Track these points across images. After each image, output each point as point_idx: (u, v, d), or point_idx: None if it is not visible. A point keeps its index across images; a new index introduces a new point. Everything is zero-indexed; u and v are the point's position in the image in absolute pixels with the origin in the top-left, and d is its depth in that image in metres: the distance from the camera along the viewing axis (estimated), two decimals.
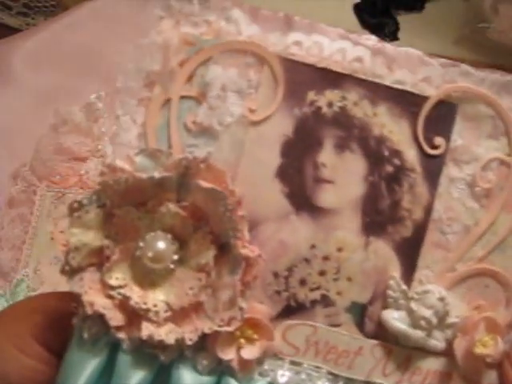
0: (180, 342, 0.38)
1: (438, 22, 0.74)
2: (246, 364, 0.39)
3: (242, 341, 0.39)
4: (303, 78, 0.39)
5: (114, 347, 0.39)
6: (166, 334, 0.38)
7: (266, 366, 0.39)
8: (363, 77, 0.40)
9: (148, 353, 0.39)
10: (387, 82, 0.40)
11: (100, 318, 0.38)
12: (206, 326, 0.38)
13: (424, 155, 0.40)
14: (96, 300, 0.38)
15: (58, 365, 0.39)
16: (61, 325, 0.39)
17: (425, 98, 0.40)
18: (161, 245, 0.38)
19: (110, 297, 0.38)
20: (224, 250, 0.38)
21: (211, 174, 0.38)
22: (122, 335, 0.38)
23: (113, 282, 0.38)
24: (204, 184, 0.37)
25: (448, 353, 0.40)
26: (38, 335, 0.41)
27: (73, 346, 0.39)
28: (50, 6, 0.95)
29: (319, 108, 0.39)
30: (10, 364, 0.40)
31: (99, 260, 0.39)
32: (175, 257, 0.39)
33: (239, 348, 0.39)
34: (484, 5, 0.73)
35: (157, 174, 0.37)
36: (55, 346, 0.40)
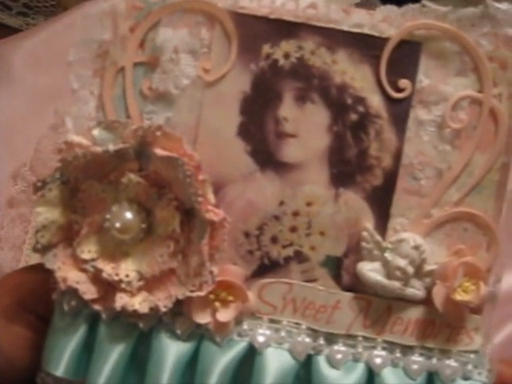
0: (154, 310, 0.38)
1: None
2: (222, 326, 0.40)
3: (217, 304, 0.40)
4: (256, 31, 0.40)
5: (95, 319, 0.40)
6: (140, 303, 0.39)
7: (245, 326, 0.41)
8: (318, 24, 0.39)
9: (127, 322, 0.39)
10: (344, 27, 0.39)
11: (77, 291, 0.39)
12: (180, 292, 0.39)
13: (389, 100, 0.39)
14: (69, 275, 0.39)
15: None
16: (49, 293, 0.41)
17: (385, 40, 0.40)
18: (128, 215, 0.39)
19: (84, 270, 0.40)
20: (190, 215, 0.39)
21: (168, 140, 0.38)
22: (98, 307, 0.39)
23: (85, 255, 0.40)
24: (160, 152, 0.38)
25: (429, 301, 0.40)
26: (27, 304, 0.44)
27: (55, 320, 0.41)
28: (50, 6, 0.97)
29: (276, 61, 0.39)
30: (1, 334, 0.42)
31: (69, 235, 0.40)
32: (143, 226, 0.39)
33: (214, 311, 0.40)
34: None
35: (111, 147, 0.38)
36: (45, 313, 0.42)
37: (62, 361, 0.40)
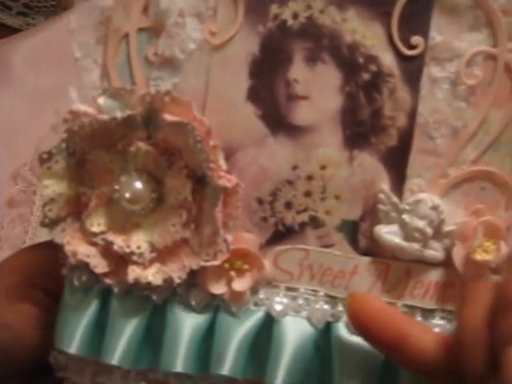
0: (168, 282, 0.38)
1: None
2: (238, 296, 0.40)
3: (233, 273, 0.40)
4: None
5: (107, 294, 0.39)
6: (153, 275, 0.39)
7: (261, 295, 0.41)
8: None
9: (140, 295, 0.39)
10: None
11: (88, 266, 0.38)
12: (194, 263, 0.38)
13: (402, 57, 0.39)
14: (79, 249, 0.39)
15: None
16: (58, 270, 0.41)
17: None
18: (137, 185, 0.39)
19: (94, 244, 0.39)
20: (202, 183, 0.39)
21: (177, 106, 0.38)
22: (110, 281, 0.39)
23: (94, 228, 0.40)
24: (169, 117, 0.37)
25: (449, 263, 0.40)
26: (36, 282, 0.43)
27: (65, 296, 0.41)
28: (50, 6, 0.98)
29: (284, 21, 0.39)
30: (10, 313, 0.42)
31: (78, 209, 0.39)
32: (153, 195, 0.38)
33: (230, 281, 0.39)
34: None
35: (119, 114, 0.37)
36: (55, 290, 0.42)
37: (74, 338, 0.40)
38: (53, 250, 0.40)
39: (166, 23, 0.39)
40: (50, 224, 0.39)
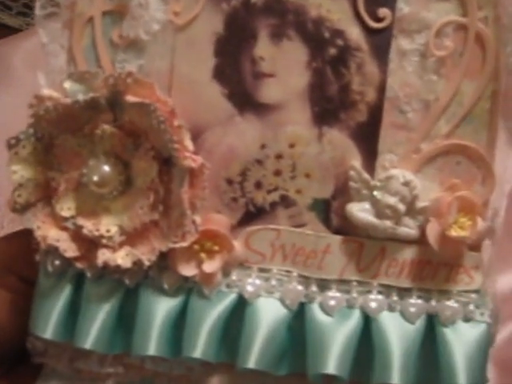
0: (138, 264, 0.38)
1: None
2: (209, 278, 0.39)
3: (203, 255, 0.39)
4: None
5: (81, 278, 0.40)
6: (122, 257, 0.39)
7: (233, 277, 0.40)
8: None
9: (113, 279, 0.39)
10: None
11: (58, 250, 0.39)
12: (163, 245, 0.38)
13: (369, 31, 0.39)
14: (49, 233, 0.39)
15: None
16: (33, 255, 0.41)
17: None
18: (105, 168, 0.39)
19: (64, 228, 0.39)
20: (169, 164, 0.38)
21: (140, 87, 0.38)
22: (81, 265, 0.39)
23: (64, 213, 0.40)
24: (131, 99, 0.37)
25: (424, 240, 0.39)
26: (12, 269, 0.43)
27: (40, 282, 0.41)
28: None
29: None
30: None
31: (48, 193, 0.40)
32: (121, 178, 0.38)
33: (200, 262, 0.39)
34: None
35: (81, 97, 0.37)
36: (31, 276, 0.42)
37: (49, 323, 0.40)
38: (28, 237, 0.41)
39: (129, 5, 0.39)
40: (21, 209, 0.40)
